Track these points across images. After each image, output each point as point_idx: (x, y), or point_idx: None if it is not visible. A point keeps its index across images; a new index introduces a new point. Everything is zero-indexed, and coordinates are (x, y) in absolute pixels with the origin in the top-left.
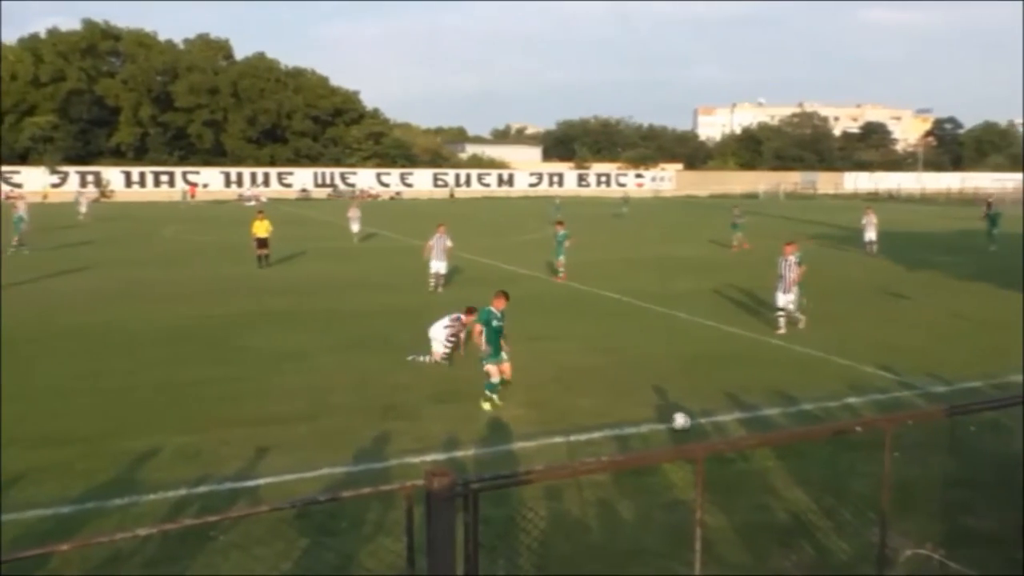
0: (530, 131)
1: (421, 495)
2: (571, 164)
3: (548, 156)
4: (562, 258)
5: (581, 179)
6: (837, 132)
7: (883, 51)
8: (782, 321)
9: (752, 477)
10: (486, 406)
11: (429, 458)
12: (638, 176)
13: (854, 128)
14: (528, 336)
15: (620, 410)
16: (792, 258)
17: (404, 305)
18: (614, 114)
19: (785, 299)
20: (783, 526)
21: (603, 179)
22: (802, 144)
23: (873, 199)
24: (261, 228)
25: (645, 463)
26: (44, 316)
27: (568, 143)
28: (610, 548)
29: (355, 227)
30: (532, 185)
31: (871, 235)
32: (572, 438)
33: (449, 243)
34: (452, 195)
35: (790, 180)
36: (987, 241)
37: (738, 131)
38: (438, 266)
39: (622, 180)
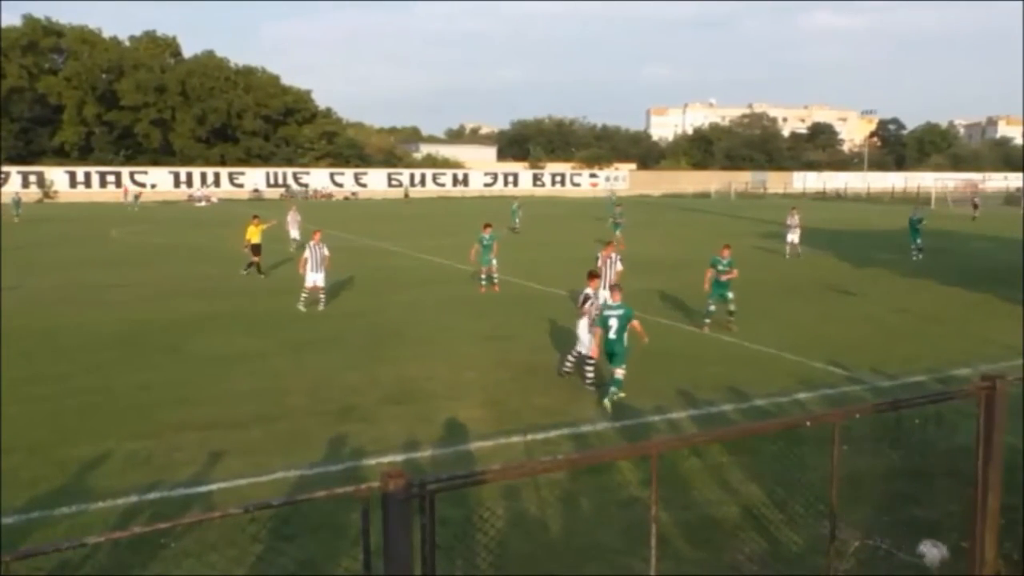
0: (484, 131)
1: (377, 497)
2: (526, 164)
3: (503, 156)
4: (494, 262)
5: (536, 179)
6: (786, 133)
7: (829, 53)
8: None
9: (705, 473)
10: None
11: (386, 460)
12: (592, 176)
13: (802, 129)
14: (483, 336)
15: (575, 408)
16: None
17: (356, 307)
18: (568, 114)
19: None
20: (736, 520)
21: (558, 179)
22: (752, 144)
23: (821, 198)
24: (255, 233)
25: (600, 460)
26: None
27: (522, 143)
28: (568, 546)
29: (294, 233)
30: (487, 185)
31: (793, 237)
32: (529, 437)
33: (326, 252)
34: (407, 195)
35: (741, 180)
36: (912, 250)
37: (690, 131)
38: (315, 278)
39: (576, 180)
